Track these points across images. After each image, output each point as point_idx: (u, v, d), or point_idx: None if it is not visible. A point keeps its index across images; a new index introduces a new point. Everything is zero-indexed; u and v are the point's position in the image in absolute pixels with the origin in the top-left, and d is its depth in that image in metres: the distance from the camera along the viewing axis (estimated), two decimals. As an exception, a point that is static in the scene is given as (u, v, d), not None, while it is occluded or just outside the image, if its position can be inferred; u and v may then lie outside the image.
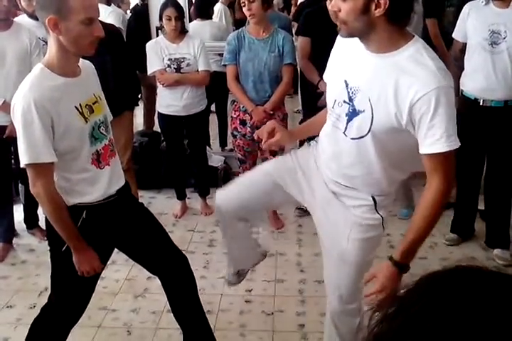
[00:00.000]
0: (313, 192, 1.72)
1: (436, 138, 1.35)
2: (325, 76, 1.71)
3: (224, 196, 1.89)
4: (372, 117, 1.42)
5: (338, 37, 1.58)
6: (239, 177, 2.05)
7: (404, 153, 1.51)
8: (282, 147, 3.10)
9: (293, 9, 6.01)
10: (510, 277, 0.48)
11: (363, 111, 1.44)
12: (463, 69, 2.84)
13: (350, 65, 1.51)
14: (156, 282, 2.02)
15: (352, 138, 1.49)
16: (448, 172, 1.41)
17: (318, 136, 1.73)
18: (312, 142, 1.76)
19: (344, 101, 1.49)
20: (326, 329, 1.87)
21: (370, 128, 1.43)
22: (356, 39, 1.44)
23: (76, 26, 1.51)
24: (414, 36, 1.43)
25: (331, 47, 1.64)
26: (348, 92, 1.47)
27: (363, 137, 1.46)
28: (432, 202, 1.42)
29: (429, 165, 1.41)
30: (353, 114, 1.47)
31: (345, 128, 1.50)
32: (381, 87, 1.39)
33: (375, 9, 1.31)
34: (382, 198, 1.60)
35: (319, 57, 3.08)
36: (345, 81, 1.49)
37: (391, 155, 1.50)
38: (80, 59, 1.67)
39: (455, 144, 1.36)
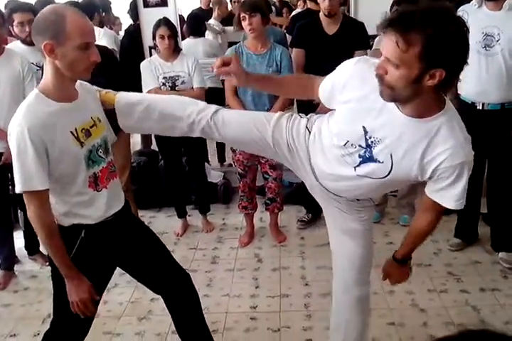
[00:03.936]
0: (307, 175, 1.74)
1: (447, 195, 1.50)
2: (325, 101, 1.61)
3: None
4: (391, 171, 1.49)
5: (351, 71, 1.50)
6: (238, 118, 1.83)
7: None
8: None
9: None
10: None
11: (382, 162, 1.49)
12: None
13: (373, 114, 1.45)
14: (160, 303, 1.99)
15: (359, 175, 1.56)
16: (442, 211, 1.60)
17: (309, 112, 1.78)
18: (305, 129, 1.69)
19: (359, 145, 1.51)
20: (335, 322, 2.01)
21: (386, 177, 1.52)
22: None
23: (72, 51, 1.51)
24: (446, 102, 1.42)
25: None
26: (367, 140, 1.48)
27: (374, 179, 1.55)
28: (425, 232, 1.67)
29: (429, 204, 1.58)
30: (369, 159, 1.51)
31: (358, 165, 1.54)
32: (408, 149, 1.43)
33: (428, 80, 1.27)
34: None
35: (313, 68, 3.11)
36: (364, 127, 1.47)
37: (393, 185, 1.67)
38: (78, 81, 1.67)
39: (459, 206, 1.52)
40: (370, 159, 1.50)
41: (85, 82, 1.74)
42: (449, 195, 1.49)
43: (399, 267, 1.76)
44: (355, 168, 1.55)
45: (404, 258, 1.74)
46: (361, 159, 1.52)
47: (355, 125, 1.48)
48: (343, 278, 1.88)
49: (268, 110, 2.99)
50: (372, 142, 1.47)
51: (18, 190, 1.56)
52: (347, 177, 1.59)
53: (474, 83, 2.73)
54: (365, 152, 1.50)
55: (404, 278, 1.80)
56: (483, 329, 0.48)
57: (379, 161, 1.49)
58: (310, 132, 1.68)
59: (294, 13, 5.81)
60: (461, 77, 3.04)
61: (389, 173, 1.50)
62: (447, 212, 4.05)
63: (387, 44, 1.26)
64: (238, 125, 1.75)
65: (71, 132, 1.60)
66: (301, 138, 1.69)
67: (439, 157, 1.41)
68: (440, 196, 1.51)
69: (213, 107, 1.75)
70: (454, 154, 1.39)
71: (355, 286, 1.86)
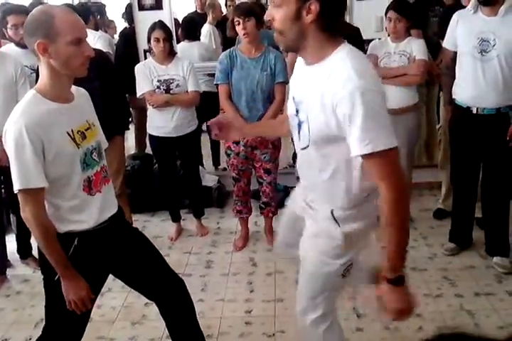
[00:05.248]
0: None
1: (359, 139, 1.30)
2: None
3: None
4: (309, 127, 1.45)
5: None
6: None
7: (349, 162, 1.46)
8: (277, 164, 3.17)
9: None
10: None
11: (303, 122, 1.48)
12: (455, 78, 2.85)
13: (296, 79, 1.56)
14: (154, 308, 1.98)
15: (301, 149, 1.55)
16: (391, 177, 1.34)
17: None
18: None
19: (294, 115, 1.54)
20: None
21: (310, 137, 1.47)
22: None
23: (65, 48, 1.52)
24: (343, 42, 1.42)
25: None
26: (295, 105, 1.53)
27: (307, 146, 1.50)
28: (389, 212, 1.35)
29: (371, 170, 1.37)
30: (299, 125, 1.51)
31: (299, 138, 1.55)
32: (313, 98, 1.41)
33: (307, 15, 1.33)
34: (341, 213, 1.54)
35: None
36: (293, 96, 1.55)
37: (336, 163, 1.48)
38: (73, 86, 1.67)
39: (379, 145, 1.29)
40: (300, 124, 1.50)
41: (81, 88, 1.74)
42: (354, 139, 1.31)
43: (395, 290, 1.39)
44: (298, 143, 1.56)
45: (398, 272, 1.39)
46: (298, 128, 1.52)
47: (290, 98, 1.57)
48: (300, 297, 1.72)
49: (262, 115, 2.99)
50: (297, 105, 1.51)
51: (16, 188, 1.54)
52: (304, 157, 1.57)
53: (470, 88, 2.75)
54: (297, 120, 1.52)
55: (408, 305, 1.41)
56: (456, 332, 0.47)
57: (302, 122, 1.48)
58: None
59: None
60: (456, 81, 3.04)
61: (309, 132, 1.44)
62: (441, 215, 4.07)
63: None
64: None
65: (67, 132, 1.60)
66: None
67: (335, 95, 1.31)
68: (356, 144, 1.31)
69: None
70: (340, 85, 1.30)
71: (308, 311, 1.68)
